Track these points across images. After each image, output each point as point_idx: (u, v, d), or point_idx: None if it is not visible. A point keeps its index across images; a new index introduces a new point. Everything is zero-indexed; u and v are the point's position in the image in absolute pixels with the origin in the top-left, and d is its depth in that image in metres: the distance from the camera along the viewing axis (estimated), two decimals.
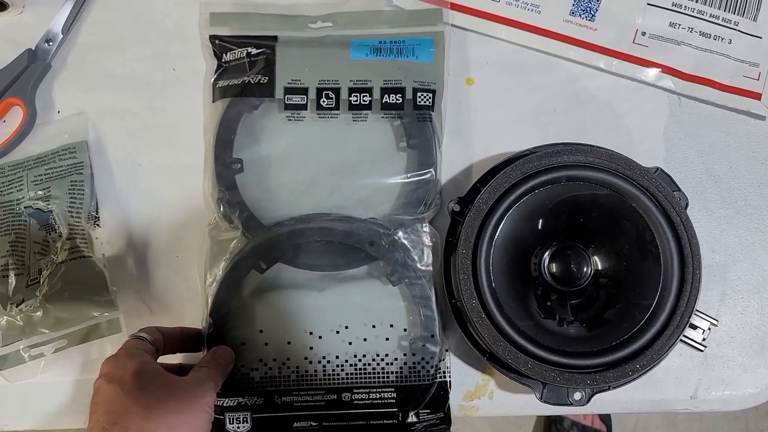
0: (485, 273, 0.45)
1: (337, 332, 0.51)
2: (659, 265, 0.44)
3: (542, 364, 0.43)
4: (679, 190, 0.48)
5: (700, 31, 0.54)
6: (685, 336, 0.45)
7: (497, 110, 0.55)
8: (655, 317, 0.44)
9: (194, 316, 0.53)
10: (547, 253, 0.49)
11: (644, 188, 0.45)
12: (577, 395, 0.45)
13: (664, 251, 0.44)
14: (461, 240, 0.45)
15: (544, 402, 0.46)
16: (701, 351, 0.46)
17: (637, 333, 0.44)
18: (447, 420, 0.51)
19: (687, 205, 0.47)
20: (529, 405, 0.52)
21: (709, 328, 0.45)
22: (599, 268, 0.49)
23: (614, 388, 0.45)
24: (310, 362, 0.51)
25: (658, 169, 0.48)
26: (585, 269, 0.48)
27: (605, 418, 1.31)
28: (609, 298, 0.48)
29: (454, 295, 0.48)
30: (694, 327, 0.45)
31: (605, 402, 0.50)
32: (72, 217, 0.51)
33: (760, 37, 0.54)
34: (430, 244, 0.51)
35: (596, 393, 0.44)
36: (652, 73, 0.54)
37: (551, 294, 0.49)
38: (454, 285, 0.48)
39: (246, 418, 0.50)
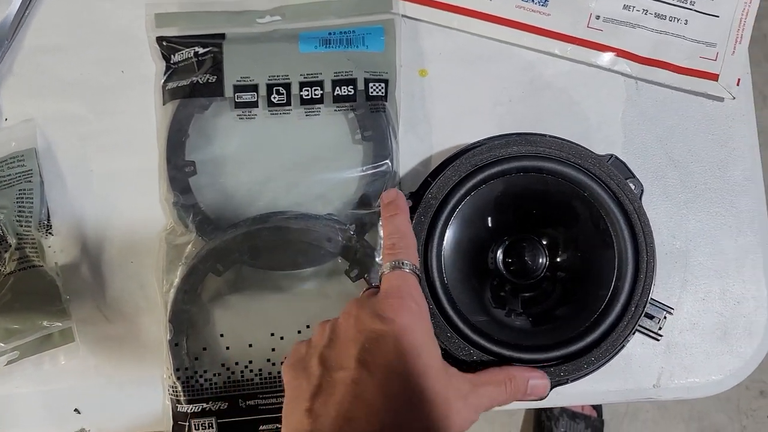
0: (437, 269, 0.44)
1: (299, 332, 0.51)
2: (614, 255, 0.44)
3: (496, 359, 0.43)
4: (634, 177, 0.47)
5: (655, 13, 0.53)
6: (641, 326, 0.44)
7: (453, 101, 0.54)
8: (611, 308, 0.43)
9: (152, 322, 0.52)
10: (501, 246, 0.49)
11: (596, 177, 0.45)
12: None
13: (618, 241, 0.44)
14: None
15: None
16: (658, 340, 0.45)
17: (593, 324, 0.43)
18: None
19: (642, 192, 0.47)
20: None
21: (665, 317, 0.45)
22: (556, 260, 0.49)
23: (573, 380, 0.44)
24: (273, 364, 0.50)
25: (612, 156, 0.47)
26: (540, 260, 0.48)
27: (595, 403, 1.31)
28: (565, 293, 0.48)
29: None
30: (650, 317, 0.45)
31: (568, 395, 0.50)
32: (21, 226, 0.50)
33: (717, 16, 0.53)
34: None
35: (555, 386, 0.44)
36: (607, 57, 0.53)
37: (506, 285, 0.49)
38: None
39: (211, 423, 0.50)
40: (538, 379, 0.42)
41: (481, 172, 0.45)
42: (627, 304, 0.43)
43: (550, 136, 0.48)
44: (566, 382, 0.44)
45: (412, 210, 0.46)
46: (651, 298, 0.44)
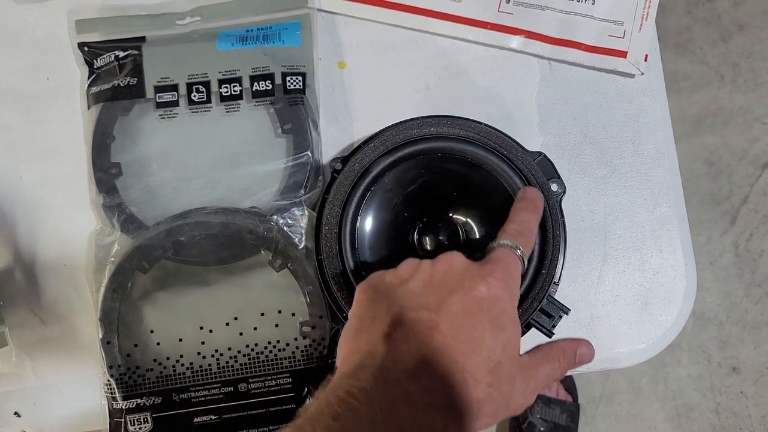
0: (350, 230, 0.45)
1: (228, 324, 0.51)
2: None
3: None
4: (559, 177, 0.48)
5: None
6: (535, 320, 0.46)
7: (372, 91, 0.55)
8: None
9: (87, 323, 0.53)
10: (420, 224, 0.50)
11: (520, 171, 0.46)
12: None
13: None
14: (330, 194, 0.46)
15: None
16: (549, 337, 0.46)
17: None
18: None
19: (564, 193, 0.48)
20: None
21: (560, 316, 0.46)
22: (474, 239, 0.50)
23: None
24: (203, 357, 0.51)
25: (541, 154, 0.48)
26: (457, 240, 0.49)
27: (570, 388, 1.32)
28: None
29: (320, 250, 0.49)
30: (548, 315, 0.46)
31: None
32: None
33: None
34: (308, 226, 0.51)
35: None
36: (519, 40, 0.54)
37: None
38: (321, 240, 0.48)
39: (146, 418, 0.51)
40: (584, 347, 0.43)
41: (410, 146, 0.46)
42: (524, 298, 0.45)
43: (485, 125, 0.49)
44: None
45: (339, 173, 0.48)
46: (550, 296, 0.45)
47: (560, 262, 0.46)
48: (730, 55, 1.40)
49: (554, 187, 0.47)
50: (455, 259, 0.39)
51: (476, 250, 0.50)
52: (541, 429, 1.23)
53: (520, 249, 0.40)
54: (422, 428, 0.33)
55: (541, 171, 0.47)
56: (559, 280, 0.46)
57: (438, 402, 0.34)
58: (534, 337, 0.45)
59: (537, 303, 0.45)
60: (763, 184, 1.36)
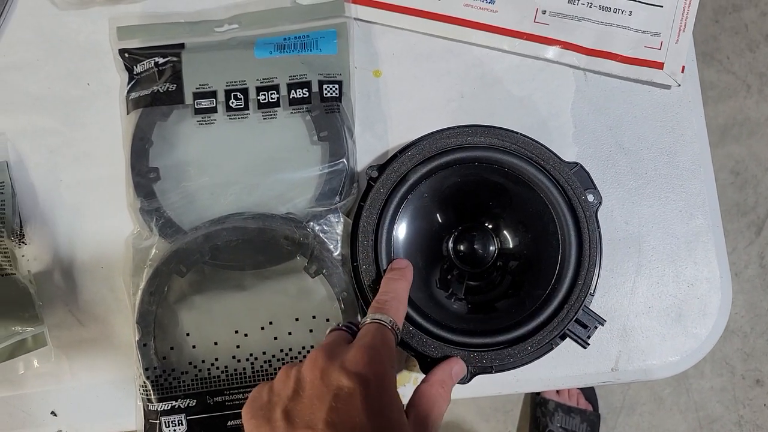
0: (386, 237, 0.46)
1: (262, 328, 0.52)
2: (557, 259, 0.45)
3: (422, 333, 0.44)
4: (595, 188, 0.48)
5: (599, 6, 0.54)
6: (570, 331, 0.45)
7: (407, 99, 0.56)
8: (543, 309, 0.45)
9: (123, 325, 0.54)
10: (455, 232, 0.50)
11: (556, 181, 0.46)
12: None
13: (564, 246, 0.45)
14: (367, 202, 0.46)
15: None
16: (584, 348, 0.46)
17: (523, 321, 0.45)
18: None
19: (600, 203, 0.48)
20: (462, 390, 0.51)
21: (596, 327, 0.46)
22: (505, 253, 0.50)
23: (498, 370, 0.45)
24: (238, 361, 0.52)
25: (577, 165, 0.48)
26: (490, 249, 0.49)
27: (590, 398, 1.31)
28: (509, 288, 0.49)
29: (357, 257, 0.49)
30: (583, 325, 0.46)
31: (527, 381, 0.51)
32: None
33: (661, 6, 0.54)
34: (343, 233, 0.52)
35: (478, 373, 0.45)
36: (554, 50, 0.54)
37: (454, 270, 0.50)
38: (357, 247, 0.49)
39: (181, 420, 0.51)
40: (456, 365, 0.44)
41: (446, 155, 0.46)
42: (560, 308, 0.45)
43: (521, 134, 0.49)
44: (491, 371, 0.45)
45: (376, 182, 0.48)
46: (586, 307, 0.45)
47: (596, 272, 0.46)
48: (757, 65, 1.38)
49: (590, 197, 0.47)
50: (318, 357, 0.38)
51: (510, 259, 0.50)
52: None
53: (387, 319, 0.41)
54: None
55: (578, 181, 0.47)
56: (594, 291, 0.46)
57: None
58: (570, 345, 0.45)
59: (573, 313, 0.45)
60: None
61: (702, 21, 1.39)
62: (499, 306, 0.48)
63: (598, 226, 0.47)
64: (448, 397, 0.42)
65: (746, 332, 1.32)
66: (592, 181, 0.48)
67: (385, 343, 0.39)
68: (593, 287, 0.46)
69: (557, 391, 1.28)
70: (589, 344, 0.46)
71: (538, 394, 1.29)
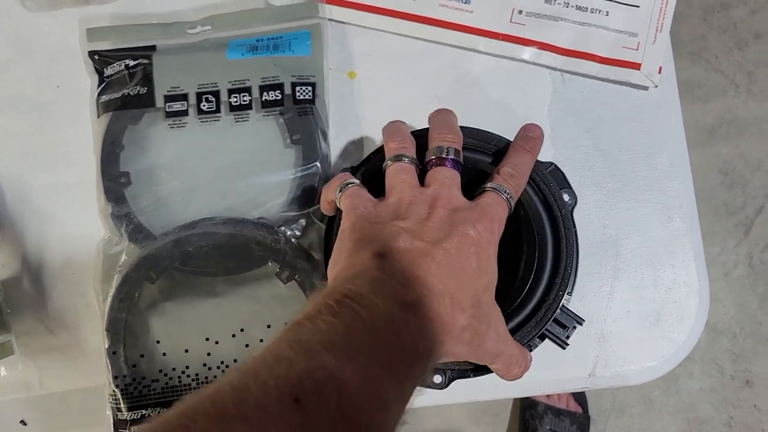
0: None
1: (234, 336, 0.51)
2: (534, 258, 0.44)
3: None
4: (570, 188, 0.47)
5: (576, 6, 0.53)
6: (549, 331, 0.45)
7: (382, 101, 0.55)
8: (521, 309, 0.44)
9: (94, 332, 0.53)
10: None
11: (531, 179, 0.45)
12: (437, 378, 0.45)
13: (542, 244, 0.45)
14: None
15: None
16: (563, 348, 0.45)
17: None
18: None
19: (575, 203, 0.47)
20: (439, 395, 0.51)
21: (574, 327, 0.45)
22: None
23: (475, 375, 0.44)
24: (209, 368, 0.51)
25: (552, 164, 0.48)
26: None
27: (580, 400, 1.31)
28: None
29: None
30: (562, 325, 0.45)
31: (501, 386, 0.50)
32: None
33: (638, 6, 0.53)
34: (317, 238, 0.51)
35: (456, 377, 0.44)
36: (531, 51, 0.54)
37: None
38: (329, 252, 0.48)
39: None
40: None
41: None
42: (537, 308, 0.44)
43: (497, 135, 0.48)
44: (469, 375, 0.44)
45: None
46: (564, 306, 0.44)
47: (573, 270, 0.45)
48: (746, 63, 1.38)
49: (566, 197, 0.46)
50: (453, 197, 0.40)
51: None
52: None
53: (508, 194, 0.41)
54: (414, 337, 0.34)
55: (553, 180, 0.46)
56: (572, 291, 0.45)
57: (429, 315, 0.35)
58: (547, 349, 0.44)
59: (551, 313, 0.44)
60: None
61: (690, 19, 1.39)
62: None
63: (574, 226, 0.46)
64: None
65: (735, 333, 1.31)
66: (567, 180, 0.48)
67: (504, 213, 0.41)
68: (571, 286, 0.45)
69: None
70: (568, 344, 0.45)
71: (527, 397, 1.28)
